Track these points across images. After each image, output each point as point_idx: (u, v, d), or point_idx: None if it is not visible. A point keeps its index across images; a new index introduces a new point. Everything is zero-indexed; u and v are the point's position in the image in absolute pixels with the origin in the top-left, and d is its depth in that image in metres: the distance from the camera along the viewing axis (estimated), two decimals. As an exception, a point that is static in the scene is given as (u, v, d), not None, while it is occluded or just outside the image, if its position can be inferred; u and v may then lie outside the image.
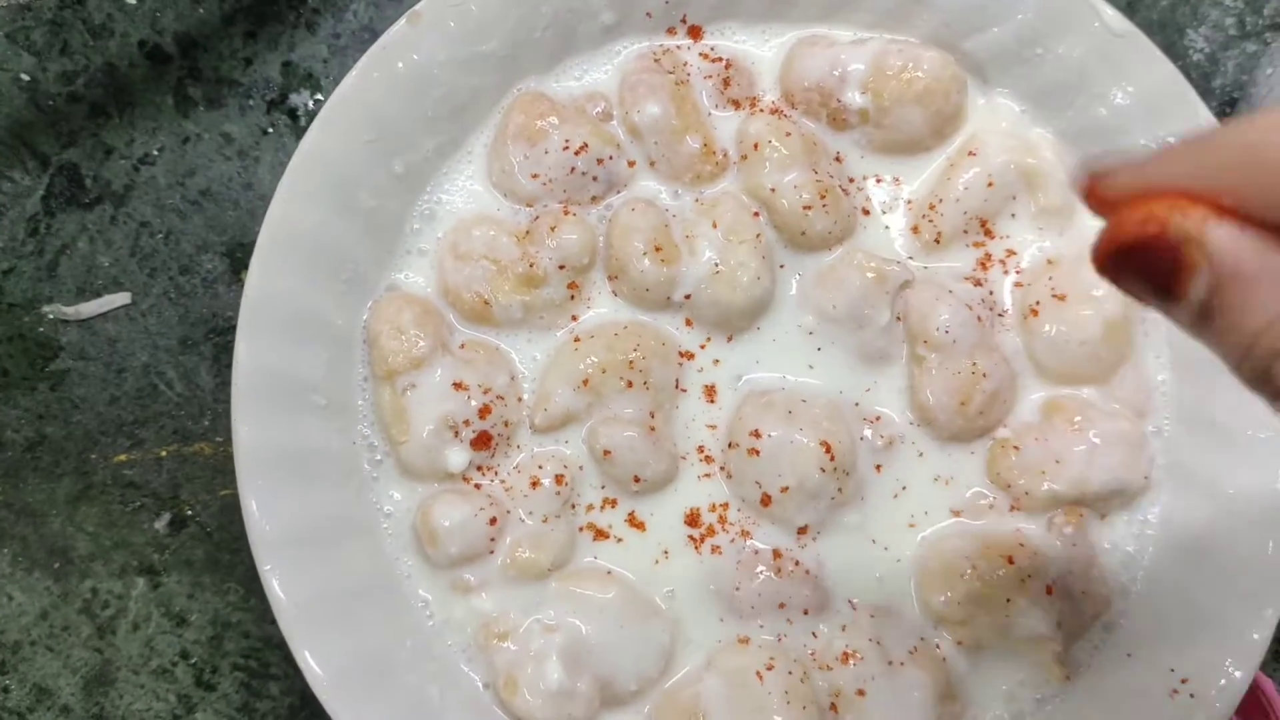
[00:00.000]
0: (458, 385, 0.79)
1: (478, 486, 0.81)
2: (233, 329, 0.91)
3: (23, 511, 0.92)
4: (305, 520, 0.76)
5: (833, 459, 0.79)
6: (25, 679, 0.90)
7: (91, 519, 0.92)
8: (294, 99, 0.95)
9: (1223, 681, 0.76)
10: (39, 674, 0.90)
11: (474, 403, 0.79)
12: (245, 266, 0.92)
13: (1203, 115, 0.80)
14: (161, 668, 0.91)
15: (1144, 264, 0.45)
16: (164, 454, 0.92)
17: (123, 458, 0.92)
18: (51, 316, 0.93)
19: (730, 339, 0.83)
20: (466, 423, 0.79)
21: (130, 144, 0.94)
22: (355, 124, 0.78)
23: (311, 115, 0.94)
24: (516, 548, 0.79)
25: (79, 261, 0.93)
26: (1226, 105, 0.96)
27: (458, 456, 0.79)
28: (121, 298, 0.93)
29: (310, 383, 0.78)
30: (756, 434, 0.79)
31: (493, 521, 0.79)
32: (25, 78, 0.94)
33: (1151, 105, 0.81)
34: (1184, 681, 0.77)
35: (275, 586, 0.74)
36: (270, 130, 0.95)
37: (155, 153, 0.94)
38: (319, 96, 0.95)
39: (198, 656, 0.91)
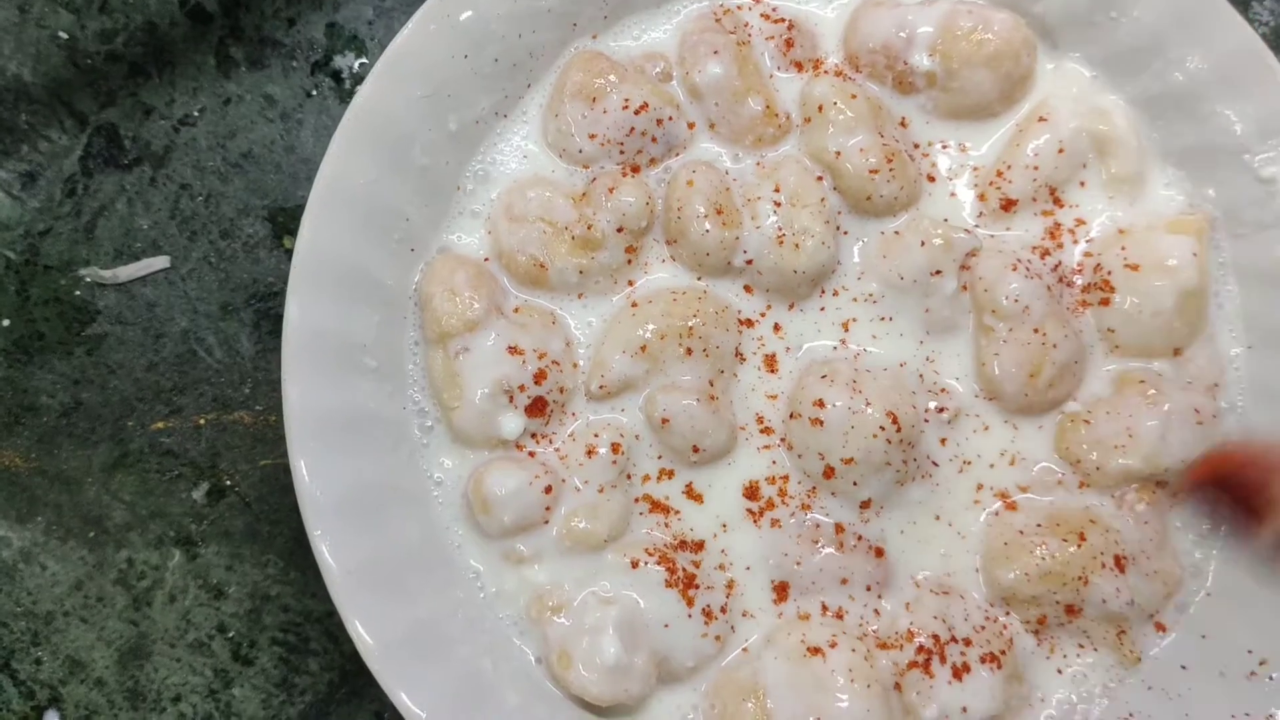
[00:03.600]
0: (512, 350, 0.77)
1: (531, 454, 0.78)
2: (274, 295, 0.90)
3: (57, 479, 0.89)
4: (355, 486, 0.74)
5: (899, 430, 0.76)
6: (58, 650, 0.88)
7: (128, 488, 0.89)
8: (338, 61, 0.93)
9: (1305, 664, 0.74)
10: (72, 646, 0.88)
11: (529, 368, 0.77)
12: (288, 231, 0.90)
13: (1283, 81, 0.78)
14: (198, 641, 0.88)
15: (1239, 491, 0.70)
16: (203, 422, 0.90)
17: (160, 425, 0.90)
18: (89, 280, 0.90)
19: (792, 306, 0.81)
20: (521, 388, 0.77)
21: (170, 104, 0.92)
22: (410, 78, 0.76)
23: (357, 78, 0.92)
24: (572, 518, 0.77)
25: (117, 224, 0.91)
26: (1294, 78, 0.94)
27: (512, 423, 0.77)
28: (160, 261, 0.91)
29: (361, 344, 0.76)
30: (820, 404, 0.77)
31: (547, 490, 0.76)
32: (63, 35, 0.92)
33: (1229, 72, 0.79)
34: (1262, 663, 0.75)
35: (325, 553, 0.71)
36: (314, 93, 0.93)
37: (196, 114, 0.92)
38: (364, 60, 0.93)
39: (235, 630, 0.88)
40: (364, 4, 0.93)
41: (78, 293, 0.90)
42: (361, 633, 0.71)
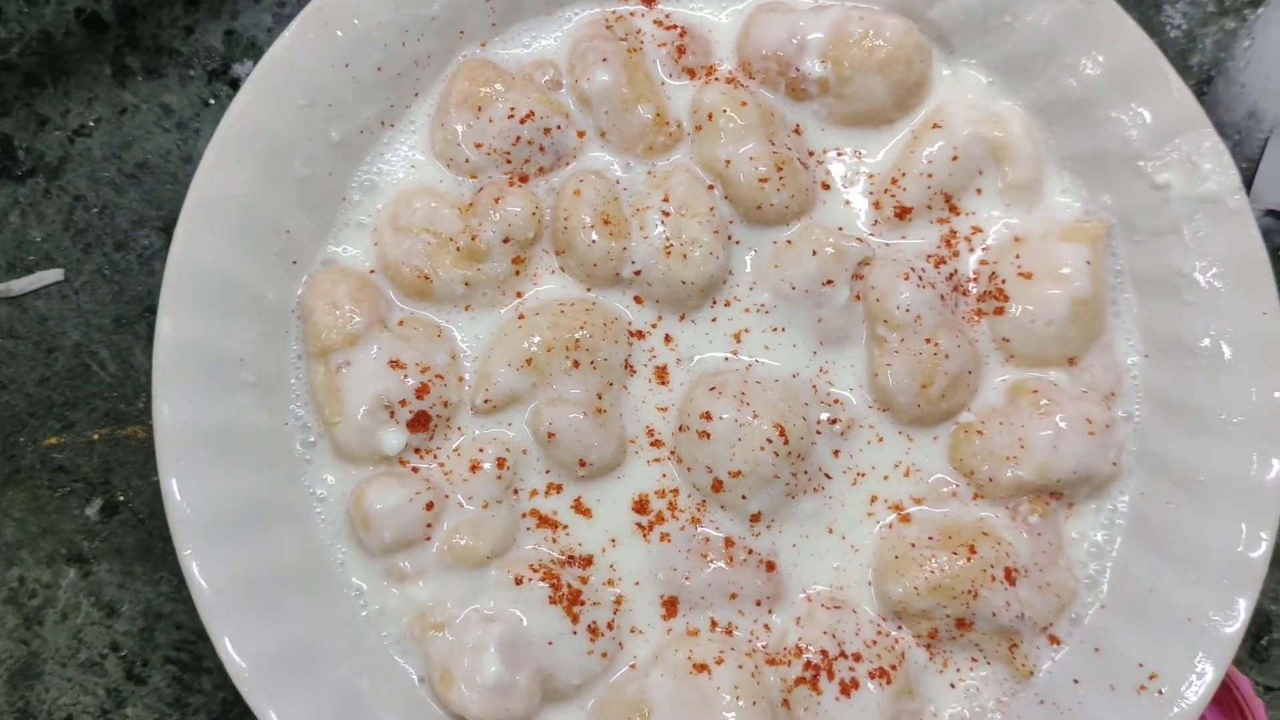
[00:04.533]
0: (394, 364, 0.76)
1: (415, 470, 0.77)
2: (169, 308, 0.88)
3: (-54, 496, 0.88)
4: (231, 503, 0.73)
5: (786, 442, 0.75)
6: (-53, 671, 0.87)
7: (19, 504, 0.88)
8: (237, 69, 0.91)
9: (1194, 678, 0.73)
10: (-39, 666, 0.87)
11: (411, 382, 0.76)
12: (183, 242, 0.89)
13: (1175, 86, 0.77)
14: (90, 660, 0.87)
15: None
16: (96, 437, 0.89)
17: (52, 440, 0.89)
18: (-20, 293, 0.89)
19: (682, 318, 0.80)
20: (403, 403, 0.75)
21: (65, 115, 0.91)
22: (288, 87, 0.75)
23: (254, 86, 0.91)
24: (454, 534, 0.76)
25: (10, 236, 0.90)
26: (1204, 83, 0.93)
27: (393, 438, 0.76)
28: (54, 274, 0.89)
29: (239, 358, 0.75)
30: (707, 416, 0.76)
31: (429, 506, 0.75)
32: (-44, 45, 0.91)
33: (1123, 76, 0.78)
34: (1153, 677, 0.74)
35: (195, 571, 0.71)
36: (212, 101, 0.91)
37: (91, 124, 0.91)
38: (263, 67, 0.91)
39: (128, 649, 0.87)
40: (263, 11, 0.92)
41: (-31, 306, 0.89)
42: (231, 653, 0.70)
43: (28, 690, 0.87)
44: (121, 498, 0.88)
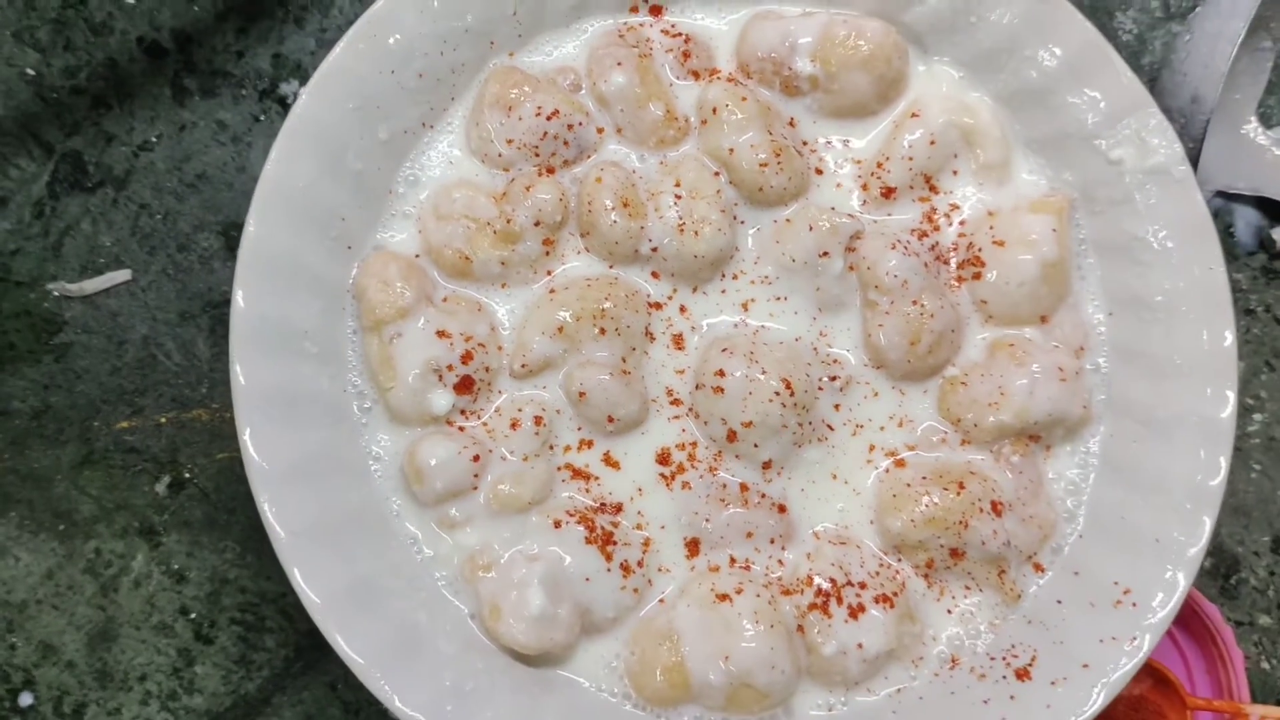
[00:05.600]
0: (441, 333, 0.84)
1: (461, 429, 0.86)
2: (228, 302, 0.96)
3: (28, 476, 0.96)
4: (299, 458, 0.81)
5: (792, 394, 0.84)
6: (31, 636, 0.95)
7: (94, 483, 0.96)
8: (284, 88, 1.01)
9: (1164, 589, 0.81)
10: (44, 631, 0.95)
11: (456, 350, 0.84)
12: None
13: (1122, 72, 0.87)
14: (162, 623, 0.95)
15: None
16: (163, 420, 0.97)
17: (124, 424, 0.97)
18: (56, 293, 0.98)
19: (695, 290, 0.89)
20: (450, 367, 0.84)
21: (130, 132, 1.00)
22: (342, 92, 0.84)
23: (300, 102, 1.01)
24: (498, 484, 0.84)
25: (82, 241, 0.99)
26: (1153, 79, 1.03)
27: (442, 399, 0.84)
28: (122, 275, 0.99)
29: (303, 330, 0.84)
30: (721, 373, 0.85)
31: (475, 459, 0.84)
32: (31, 72, 1.00)
33: (1077, 66, 0.88)
34: (1127, 592, 0.82)
35: (270, 517, 0.78)
36: (262, 117, 1.01)
37: (154, 140, 1.00)
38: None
39: (197, 612, 0.95)
40: (307, 36, 1.02)
41: (46, 305, 0.98)
42: (304, 587, 0.78)
43: (105, 651, 0.95)
44: (188, 475, 0.97)
